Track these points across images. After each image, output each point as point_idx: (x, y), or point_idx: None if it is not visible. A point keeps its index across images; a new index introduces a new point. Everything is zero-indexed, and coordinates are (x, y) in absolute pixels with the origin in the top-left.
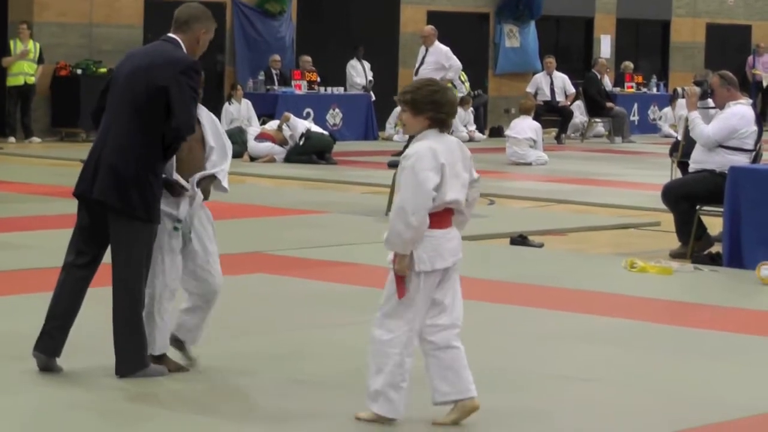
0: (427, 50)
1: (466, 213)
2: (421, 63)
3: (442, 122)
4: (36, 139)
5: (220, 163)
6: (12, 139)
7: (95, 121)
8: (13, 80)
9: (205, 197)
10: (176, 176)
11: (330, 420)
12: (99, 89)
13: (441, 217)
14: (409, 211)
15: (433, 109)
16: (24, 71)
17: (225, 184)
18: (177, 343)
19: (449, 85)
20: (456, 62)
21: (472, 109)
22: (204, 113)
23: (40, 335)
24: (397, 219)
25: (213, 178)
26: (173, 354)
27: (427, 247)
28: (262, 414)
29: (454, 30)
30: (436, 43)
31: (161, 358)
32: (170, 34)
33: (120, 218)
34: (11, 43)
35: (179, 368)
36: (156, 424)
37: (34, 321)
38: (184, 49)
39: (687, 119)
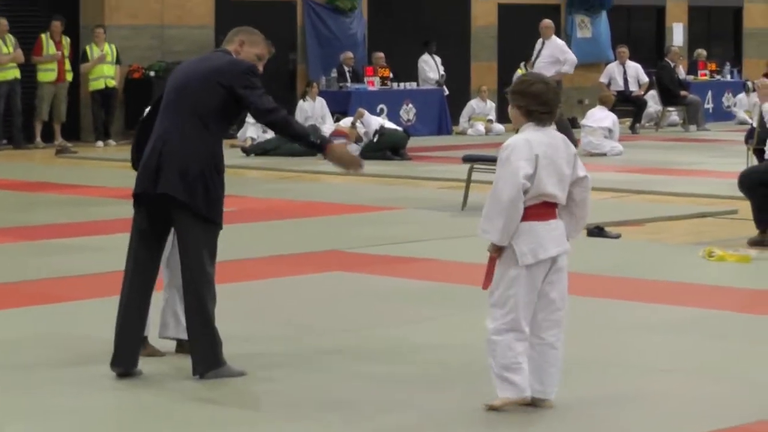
0: (543, 43)
1: (576, 213)
2: (537, 56)
3: (531, 113)
4: (111, 142)
5: None
6: (100, 143)
7: (144, 125)
8: (95, 84)
9: None
10: None
11: (408, 412)
12: None
13: (540, 209)
14: (502, 199)
15: (519, 99)
16: (104, 74)
17: None
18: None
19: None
20: (571, 56)
21: None
22: None
23: (115, 352)
24: (491, 206)
25: None
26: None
27: (527, 239)
28: (340, 410)
29: (525, 22)
30: (553, 37)
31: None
32: (222, 47)
33: (186, 215)
34: (87, 48)
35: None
36: (235, 425)
37: (112, 324)
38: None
39: (761, 110)
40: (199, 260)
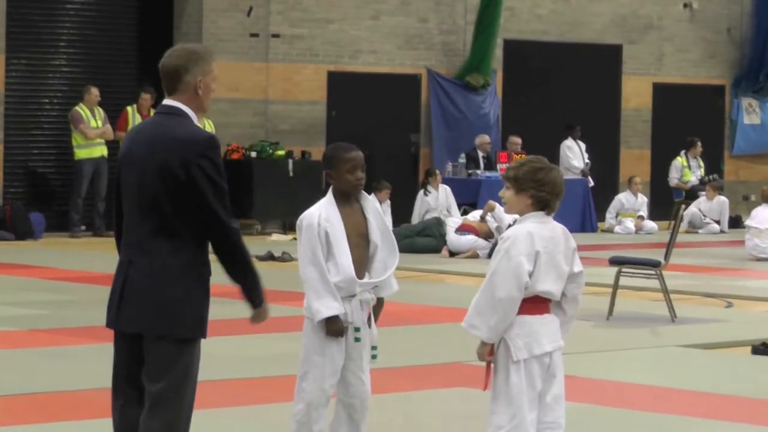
0: None
1: (567, 311)
2: None
3: (544, 202)
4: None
5: (390, 264)
6: None
7: (118, 228)
8: None
9: (375, 318)
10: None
11: None
12: (275, 175)
13: (535, 303)
14: (498, 295)
15: (535, 187)
16: None
17: (394, 286)
18: None
19: None
20: None
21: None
22: (369, 205)
23: None
24: (484, 301)
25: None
26: None
27: (521, 333)
28: None
29: (684, 104)
30: None
31: None
32: (166, 102)
33: (158, 344)
34: None
35: None
36: None
37: None
38: (189, 112)
39: None
40: (176, 382)
